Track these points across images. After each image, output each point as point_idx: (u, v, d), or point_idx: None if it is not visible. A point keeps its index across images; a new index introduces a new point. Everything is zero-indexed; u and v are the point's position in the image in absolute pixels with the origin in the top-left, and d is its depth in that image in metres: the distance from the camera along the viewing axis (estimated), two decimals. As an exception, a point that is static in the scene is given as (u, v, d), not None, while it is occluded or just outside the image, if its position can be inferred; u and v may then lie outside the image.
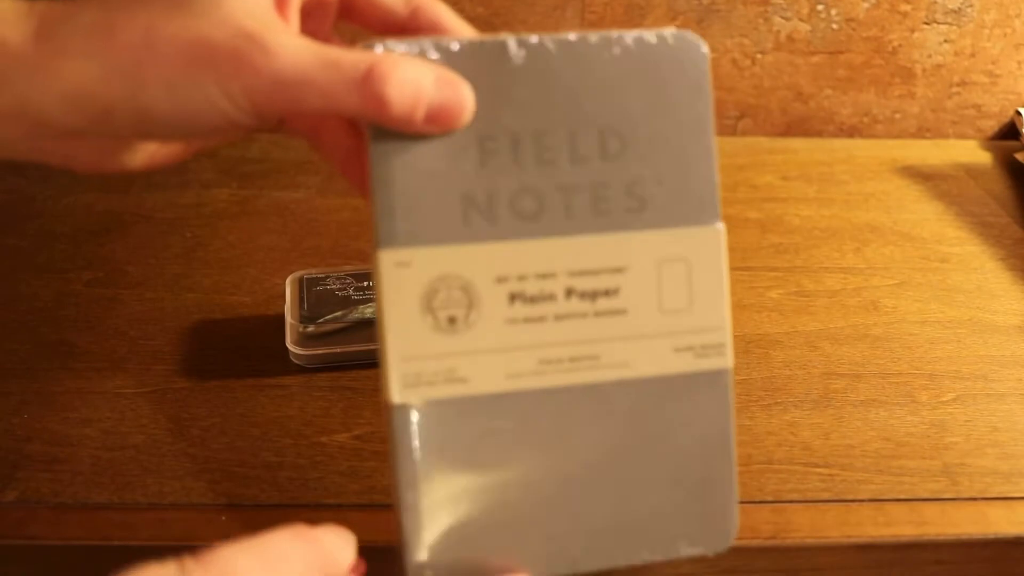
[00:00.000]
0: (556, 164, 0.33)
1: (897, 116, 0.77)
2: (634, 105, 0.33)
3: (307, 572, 0.30)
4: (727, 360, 0.34)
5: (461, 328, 0.32)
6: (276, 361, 0.50)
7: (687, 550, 0.35)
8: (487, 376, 0.32)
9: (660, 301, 0.34)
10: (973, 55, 0.74)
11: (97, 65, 0.29)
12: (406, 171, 0.31)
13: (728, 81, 0.75)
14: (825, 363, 0.51)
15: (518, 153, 0.32)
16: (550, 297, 0.32)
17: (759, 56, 0.74)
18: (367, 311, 0.50)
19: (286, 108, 0.30)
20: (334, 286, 0.52)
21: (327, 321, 0.50)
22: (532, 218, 0.32)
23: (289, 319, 0.50)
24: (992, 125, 0.77)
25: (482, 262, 0.32)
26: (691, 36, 0.34)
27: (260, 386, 0.49)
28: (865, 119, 0.77)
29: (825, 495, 0.44)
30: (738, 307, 0.56)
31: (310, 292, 0.52)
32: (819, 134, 0.77)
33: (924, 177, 0.70)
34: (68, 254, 0.59)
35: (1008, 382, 0.50)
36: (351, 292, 0.51)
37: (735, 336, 0.53)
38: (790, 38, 0.73)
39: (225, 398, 0.48)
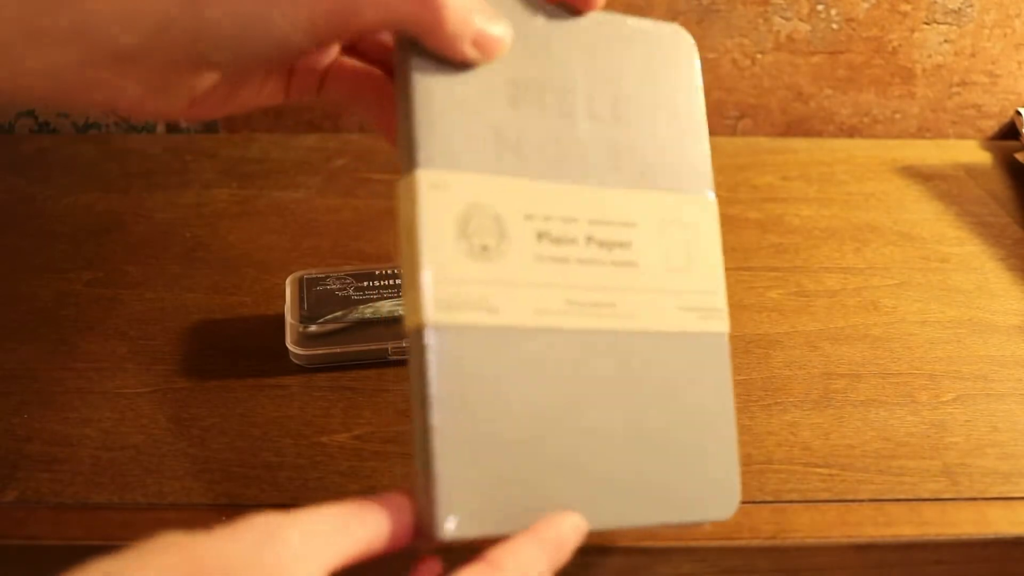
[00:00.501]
0: (575, 119, 0.34)
1: (897, 116, 0.77)
2: (639, 78, 0.36)
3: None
4: (726, 324, 0.36)
5: (493, 257, 0.31)
6: (276, 361, 0.50)
7: (693, 516, 0.35)
8: (517, 309, 0.31)
9: (666, 259, 0.35)
10: (973, 55, 0.74)
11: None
12: (446, 96, 0.31)
13: (728, 81, 0.75)
14: (825, 363, 0.51)
15: (544, 102, 0.34)
16: (572, 241, 0.33)
17: (759, 56, 0.74)
18: (367, 311, 0.51)
19: (343, 22, 0.30)
20: (334, 286, 0.52)
21: (327, 321, 0.50)
22: (556, 163, 0.33)
23: (289, 319, 0.50)
24: (992, 125, 0.77)
25: (513, 196, 0.32)
26: (683, 31, 0.38)
27: (260, 386, 0.49)
28: (865, 119, 0.77)
29: (825, 495, 0.44)
30: (738, 307, 0.55)
31: (310, 292, 0.52)
32: (819, 134, 0.77)
33: (924, 177, 0.70)
34: (68, 254, 0.59)
35: (1008, 382, 0.50)
36: (351, 292, 0.51)
37: (735, 336, 0.53)
38: (790, 38, 0.73)
39: (225, 398, 0.48)
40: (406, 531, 0.31)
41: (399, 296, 0.51)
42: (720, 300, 0.36)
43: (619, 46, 0.36)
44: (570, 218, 0.33)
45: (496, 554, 0.30)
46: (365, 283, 0.52)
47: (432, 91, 0.31)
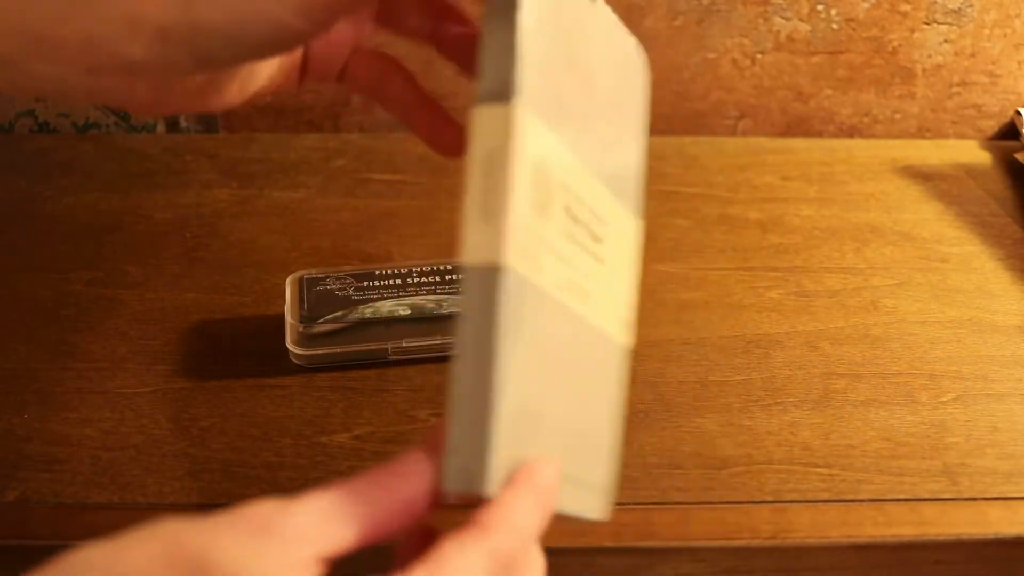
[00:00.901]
0: (594, 102, 0.33)
1: (897, 116, 0.77)
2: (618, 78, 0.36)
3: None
4: (630, 339, 0.36)
5: (544, 217, 0.29)
6: (276, 361, 0.50)
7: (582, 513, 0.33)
8: (551, 275, 0.30)
9: (616, 265, 0.35)
10: (973, 55, 0.74)
11: None
12: (537, 40, 0.29)
13: (728, 81, 0.75)
14: (825, 363, 0.51)
15: (580, 75, 0.32)
16: (579, 223, 0.32)
17: (759, 56, 0.74)
18: (367, 311, 0.51)
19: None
20: (334, 286, 0.52)
21: (327, 321, 0.50)
22: (580, 142, 0.32)
23: (289, 319, 0.50)
24: (992, 125, 0.77)
25: (561, 162, 0.31)
26: (638, 49, 0.37)
27: (260, 386, 0.49)
28: (865, 119, 0.77)
29: (825, 495, 0.44)
30: (738, 307, 0.56)
31: (310, 292, 0.52)
32: (819, 134, 0.77)
33: (924, 177, 0.70)
34: (68, 254, 0.59)
35: (1008, 382, 0.50)
36: (351, 292, 0.51)
37: (736, 336, 0.54)
38: (790, 38, 0.73)
39: (225, 398, 0.48)
40: (423, 500, 0.28)
41: (399, 296, 0.51)
42: (630, 315, 0.36)
43: (616, 38, 0.35)
44: (581, 201, 0.32)
45: (490, 517, 0.28)
46: (365, 283, 0.52)
47: (531, 29, 0.29)
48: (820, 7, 0.72)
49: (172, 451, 0.45)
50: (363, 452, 0.45)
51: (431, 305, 0.51)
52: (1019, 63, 0.74)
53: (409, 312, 0.51)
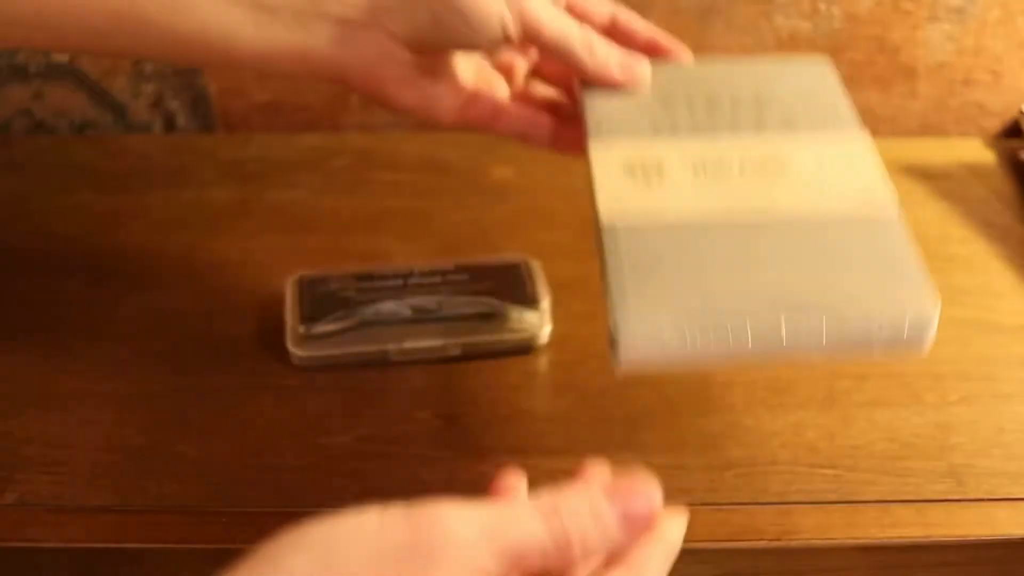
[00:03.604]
0: (722, 110, 0.45)
1: (900, 115, 0.76)
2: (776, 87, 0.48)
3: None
4: (895, 212, 0.40)
5: (655, 185, 0.40)
6: (276, 363, 0.50)
7: (882, 332, 0.36)
8: (681, 213, 0.39)
9: (823, 172, 0.41)
10: (976, 53, 0.73)
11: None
12: (608, 101, 0.45)
13: (730, 80, 0.74)
14: (830, 364, 0.51)
15: (692, 105, 0.45)
16: (728, 170, 0.41)
17: (761, 55, 0.73)
18: (367, 312, 0.50)
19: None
20: (335, 286, 0.52)
21: (328, 322, 0.49)
22: (705, 130, 0.43)
23: (289, 320, 0.50)
24: (996, 124, 0.77)
25: (667, 150, 0.42)
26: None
27: (260, 388, 0.48)
28: (867, 118, 0.76)
29: (830, 496, 0.43)
30: (741, 307, 0.55)
31: (311, 293, 0.51)
32: (821, 133, 0.77)
33: (928, 176, 0.69)
34: (67, 254, 0.58)
35: (1014, 382, 0.50)
36: (352, 293, 0.51)
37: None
38: (792, 37, 0.73)
39: (225, 400, 0.48)
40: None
41: (401, 296, 0.51)
42: (884, 196, 0.40)
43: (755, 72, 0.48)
44: (723, 158, 0.41)
45: (636, 556, 0.31)
46: (366, 283, 0.52)
47: (598, 100, 0.45)
48: (822, 5, 0.71)
49: (172, 453, 0.45)
50: (365, 453, 0.45)
51: (433, 306, 0.51)
52: (1022, 61, 0.74)
53: (411, 313, 0.50)
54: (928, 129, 0.77)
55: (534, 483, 0.43)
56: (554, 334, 0.52)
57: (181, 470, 0.44)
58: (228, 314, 0.53)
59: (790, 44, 0.73)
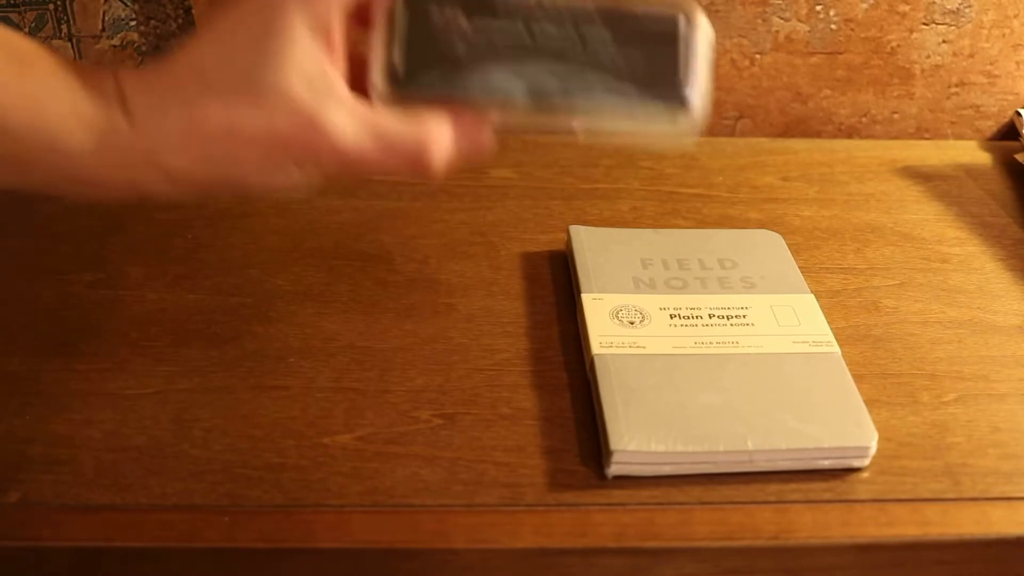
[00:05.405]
0: (692, 271, 0.55)
1: (896, 116, 0.77)
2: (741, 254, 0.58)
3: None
4: (836, 349, 0.50)
5: (638, 327, 0.51)
6: (278, 362, 0.50)
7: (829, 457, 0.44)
8: (658, 347, 0.49)
9: (777, 322, 0.51)
10: (972, 56, 0.74)
11: (192, 159, 0.37)
12: (598, 259, 0.56)
13: (727, 82, 0.75)
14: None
15: (667, 264, 0.56)
16: (698, 318, 0.51)
17: (758, 57, 0.74)
18: (475, 84, 0.38)
19: (350, 175, 0.43)
20: (440, 17, 0.38)
21: (423, 87, 0.38)
22: (679, 287, 0.54)
23: (379, 58, 0.38)
24: (991, 126, 0.77)
25: (648, 301, 0.53)
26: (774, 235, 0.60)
27: (262, 387, 0.49)
28: (864, 119, 0.77)
29: (827, 495, 0.44)
30: (739, 308, 0.56)
31: (417, 22, 0.38)
32: (818, 134, 0.78)
33: (924, 178, 0.70)
34: (70, 255, 0.59)
35: (1009, 382, 0.50)
36: (459, 42, 0.38)
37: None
38: (789, 39, 0.73)
39: (227, 399, 0.48)
40: None
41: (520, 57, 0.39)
42: (829, 338, 0.51)
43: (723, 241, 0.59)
44: (693, 308, 0.52)
45: None
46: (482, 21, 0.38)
47: (588, 257, 0.57)
48: (819, 7, 0.72)
49: (174, 452, 0.45)
50: (365, 453, 0.45)
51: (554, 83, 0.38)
52: (1017, 63, 0.74)
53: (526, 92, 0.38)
54: (923, 131, 0.77)
55: (534, 483, 0.44)
56: (561, 339, 0.52)
57: (183, 469, 0.44)
58: (230, 315, 0.54)
59: (787, 45, 0.73)
